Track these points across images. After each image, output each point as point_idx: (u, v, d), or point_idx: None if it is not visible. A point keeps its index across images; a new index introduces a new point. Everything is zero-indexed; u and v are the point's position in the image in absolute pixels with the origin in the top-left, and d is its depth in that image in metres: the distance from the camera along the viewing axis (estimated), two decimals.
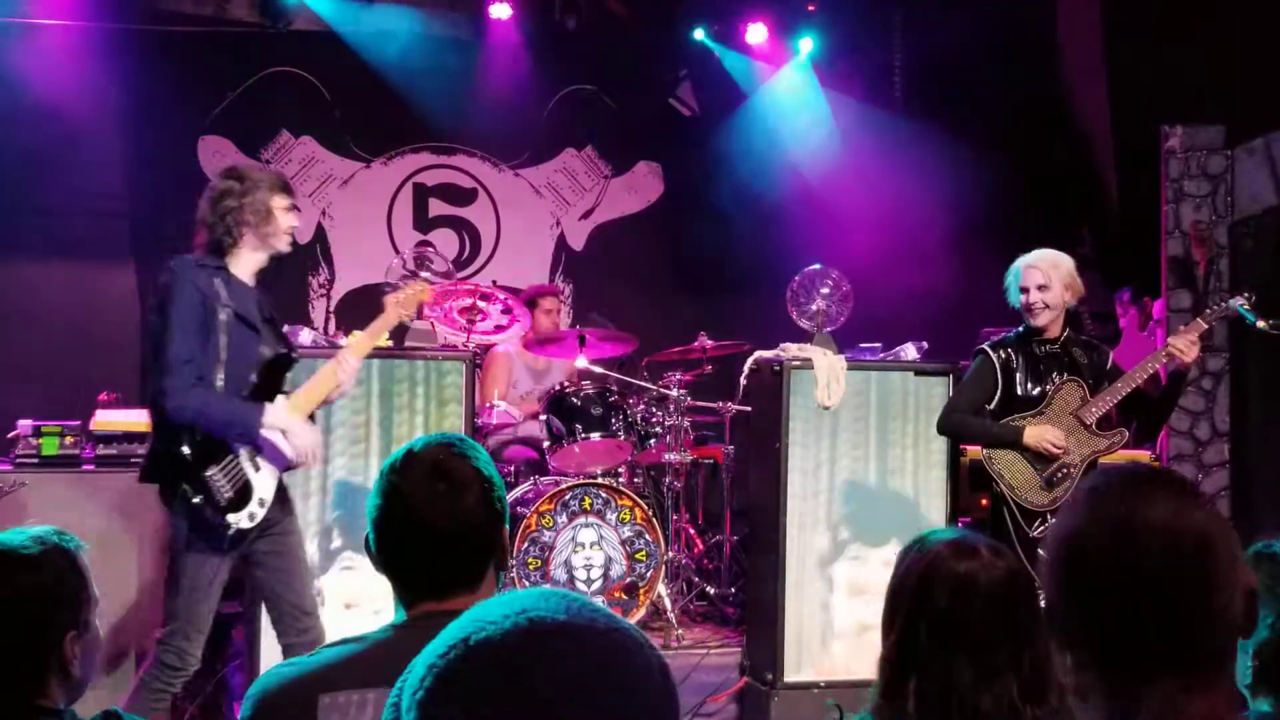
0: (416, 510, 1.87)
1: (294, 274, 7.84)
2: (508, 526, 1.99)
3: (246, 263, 3.94)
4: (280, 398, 3.94)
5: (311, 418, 4.06)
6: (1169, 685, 1.36)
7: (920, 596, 1.94)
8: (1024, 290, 4.64)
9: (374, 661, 1.82)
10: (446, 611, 1.84)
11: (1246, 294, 4.71)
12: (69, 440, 4.77)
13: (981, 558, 1.95)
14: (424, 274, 4.91)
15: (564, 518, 5.68)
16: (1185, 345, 4.51)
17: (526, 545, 5.59)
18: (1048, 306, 4.63)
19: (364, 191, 8.02)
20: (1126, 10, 7.27)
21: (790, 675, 5.07)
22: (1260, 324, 4.69)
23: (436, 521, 1.86)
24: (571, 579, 5.67)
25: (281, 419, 3.87)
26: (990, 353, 4.75)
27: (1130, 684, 1.38)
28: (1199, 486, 6.14)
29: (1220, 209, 6.33)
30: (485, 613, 1.00)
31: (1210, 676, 1.37)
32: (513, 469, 6.25)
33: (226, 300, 3.80)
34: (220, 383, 3.77)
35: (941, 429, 4.96)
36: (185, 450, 3.71)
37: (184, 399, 3.70)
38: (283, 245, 3.98)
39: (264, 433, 3.86)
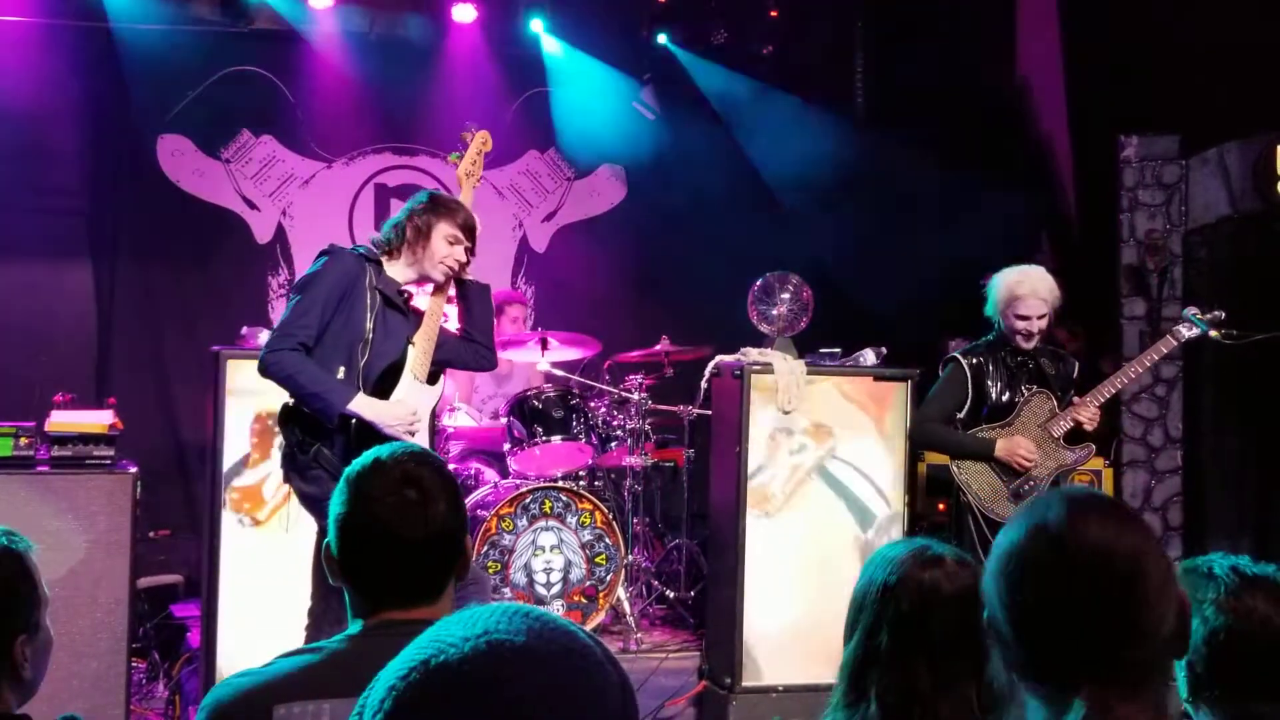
0: (388, 518, 1.86)
1: (254, 274, 7.79)
2: (469, 536, 1.99)
3: (398, 273, 4.05)
4: (409, 348, 4.03)
5: (433, 378, 4.10)
6: (1098, 691, 1.43)
7: (884, 603, 1.97)
8: (1022, 318, 4.68)
9: (330, 672, 1.82)
10: (408, 621, 1.85)
11: (1215, 312, 4.78)
12: (23, 441, 4.71)
13: (946, 567, 1.98)
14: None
15: (524, 521, 5.68)
16: (1088, 418, 4.72)
17: (486, 548, 5.58)
18: (1040, 333, 4.72)
19: (325, 192, 7.98)
20: (1084, 20, 7.35)
21: (749, 679, 5.09)
22: (1214, 334, 4.77)
23: (409, 530, 1.86)
24: (531, 582, 5.67)
25: (366, 409, 3.85)
26: (963, 360, 4.80)
27: (1061, 691, 1.45)
28: (1152, 493, 6.26)
29: (1174, 218, 6.41)
30: (446, 633, 1.00)
31: (1137, 687, 1.44)
32: (473, 472, 6.23)
33: (375, 283, 3.96)
34: (365, 357, 3.91)
35: (914, 438, 5.03)
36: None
37: (278, 358, 3.82)
38: (435, 273, 4.04)
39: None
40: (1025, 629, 1.48)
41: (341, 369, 3.90)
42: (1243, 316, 5.20)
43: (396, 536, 1.86)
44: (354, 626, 1.90)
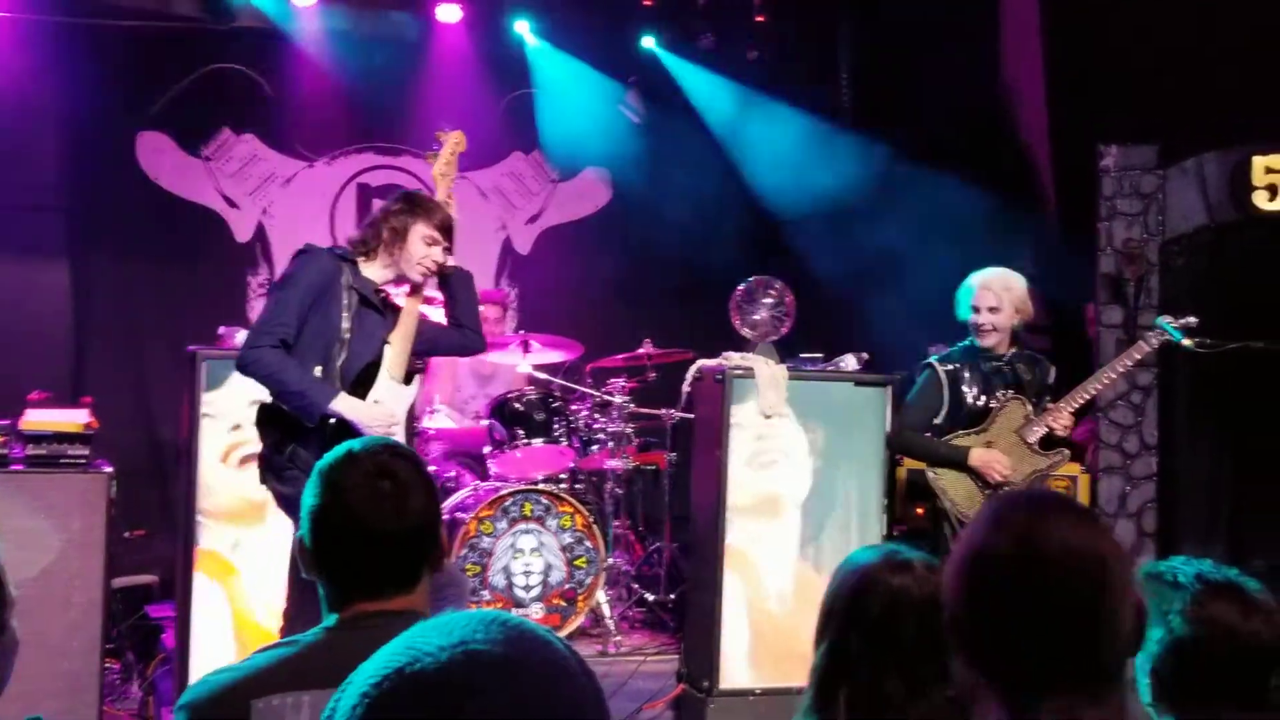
0: (361, 510, 1.87)
1: (233, 273, 7.75)
2: (444, 529, 2.00)
3: (375, 274, 4.03)
4: (385, 348, 4.00)
5: (409, 378, 4.06)
6: (1066, 697, 1.41)
7: (854, 608, 1.98)
8: (975, 310, 4.72)
9: (308, 665, 1.82)
10: (383, 612, 1.86)
11: (1187, 319, 4.82)
12: None
13: (915, 572, 1.99)
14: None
15: (504, 524, 5.67)
16: (1062, 424, 4.74)
17: (465, 551, 5.57)
18: (995, 329, 4.72)
19: (306, 191, 7.95)
20: (1065, 31, 7.39)
21: (727, 682, 5.09)
22: (1186, 342, 4.81)
23: (382, 521, 1.86)
24: (510, 585, 5.66)
25: (347, 409, 3.84)
26: (938, 366, 4.83)
27: (1029, 695, 1.43)
28: (1127, 499, 6.29)
29: (1152, 227, 6.45)
30: (421, 641, 0.99)
31: (1104, 689, 1.44)
32: (453, 474, 6.22)
33: (352, 283, 3.93)
34: (342, 357, 3.89)
35: (892, 446, 5.05)
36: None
37: (259, 354, 3.80)
38: (412, 273, 4.03)
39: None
40: (991, 631, 1.46)
41: (319, 368, 3.89)
42: (1218, 325, 5.23)
43: (369, 527, 1.87)
44: (329, 619, 1.90)
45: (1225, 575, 2.17)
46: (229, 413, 4.80)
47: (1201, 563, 2.22)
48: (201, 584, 4.85)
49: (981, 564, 1.48)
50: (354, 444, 1.97)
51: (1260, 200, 6.30)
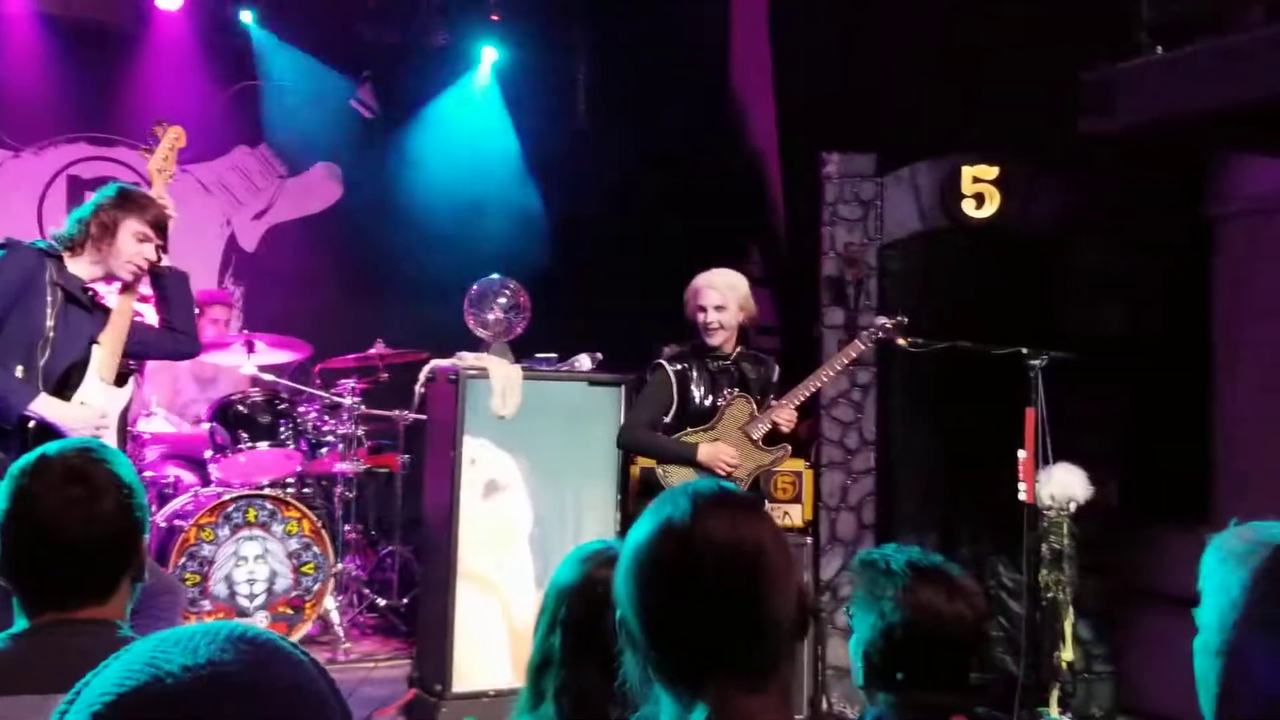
0: (49, 516, 1.81)
1: None
2: (146, 536, 1.94)
3: (82, 270, 3.85)
4: (94, 348, 3.85)
5: (122, 379, 3.93)
6: (723, 687, 1.42)
7: (560, 604, 1.98)
8: (701, 309, 4.83)
9: None
10: (74, 621, 1.80)
11: (899, 318, 5.10)
12: None
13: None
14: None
15: (226, 530, 5.45)
16: (785, 419, 4.85)
17: (184, 560, 5.33)
18: (722, 327, 4.84)
19: (11, 183, 7.43)
20: (791, 40, 7.69)
21: (459, 685, 5.04)
22: (900, 341, 5.09)
23: (70, 528, 1.81)
24: (233, 594, 5.44)
25: (48, 411, 3.68)
26: (667, 366, 4.92)
27: (690, 686, 1.44)
28: (848, 492, 6.59)
29: (871, 233, 6.76)
30: (163, 658, 0.92)
31: (764, 678, 1.45)
32: (171, 479, 5.93)
33: (57, 279, 3.75)
34: (45, 356, 3.72)
35: (621, 444, 5.10)
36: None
37: None
38: (122, 271, 3.87)
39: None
40: (654, 628, 1.46)
41: (20, 368, 3.71)
42: (930, 326, 5.54)
43: (57, 535, 1.81)
44: (19, 624, 1.84)
45: (932, 561, 2.28)
46: None
47: (911, 550, 2.33)
48: None
49: (643, 563, 1.48)
50: (49, 447, 1.90)
51: (968, 208, 6.69)
